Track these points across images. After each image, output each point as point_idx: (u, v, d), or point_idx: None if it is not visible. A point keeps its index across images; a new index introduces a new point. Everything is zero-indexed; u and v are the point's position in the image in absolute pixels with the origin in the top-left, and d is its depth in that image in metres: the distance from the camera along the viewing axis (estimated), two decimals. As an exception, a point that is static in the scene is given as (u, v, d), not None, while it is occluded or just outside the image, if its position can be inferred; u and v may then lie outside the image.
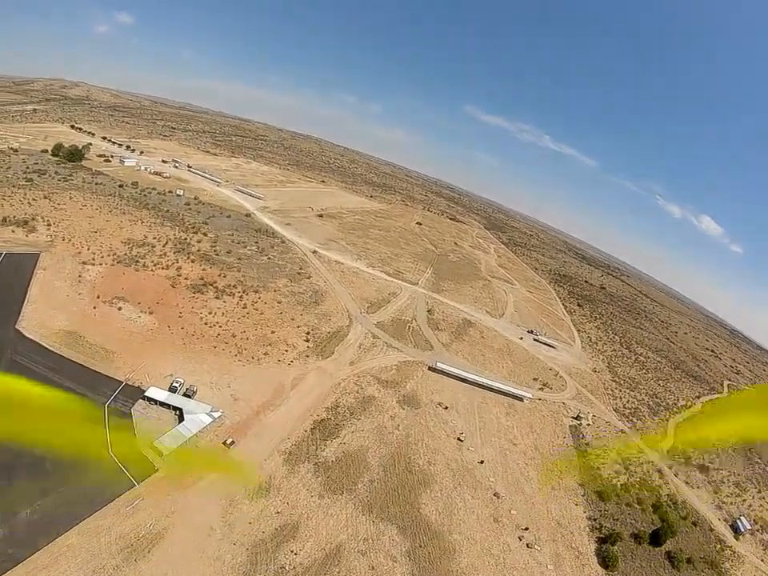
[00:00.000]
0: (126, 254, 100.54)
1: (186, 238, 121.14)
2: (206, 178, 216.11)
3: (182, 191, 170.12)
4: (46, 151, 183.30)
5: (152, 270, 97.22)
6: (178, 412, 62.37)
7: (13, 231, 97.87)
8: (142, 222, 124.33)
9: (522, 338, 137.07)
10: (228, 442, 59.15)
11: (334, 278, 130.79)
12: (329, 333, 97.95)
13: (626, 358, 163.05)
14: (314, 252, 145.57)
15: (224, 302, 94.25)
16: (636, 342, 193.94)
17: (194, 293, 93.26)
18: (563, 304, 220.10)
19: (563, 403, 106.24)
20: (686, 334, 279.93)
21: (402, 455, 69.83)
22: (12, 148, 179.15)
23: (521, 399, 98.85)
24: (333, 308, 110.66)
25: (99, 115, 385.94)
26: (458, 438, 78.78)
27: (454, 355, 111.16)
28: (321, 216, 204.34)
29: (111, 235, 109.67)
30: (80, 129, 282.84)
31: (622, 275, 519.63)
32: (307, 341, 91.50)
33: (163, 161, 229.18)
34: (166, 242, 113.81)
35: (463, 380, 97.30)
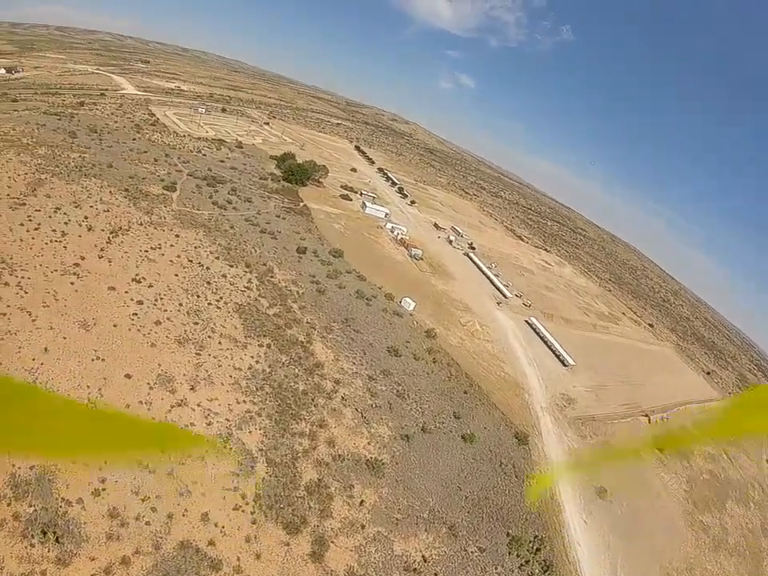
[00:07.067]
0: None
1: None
2: (486, 277, 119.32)
3: (412, 304, 75.82)
4: (275, 158, 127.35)
5: None
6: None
7: None
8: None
9: None
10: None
11: None
12: None
13: None
14: None
15: None
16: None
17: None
18: None
19: None
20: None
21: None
22: (238, 144, 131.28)
23: None
24: None
25: (407, 149, 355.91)
26: None
27: None
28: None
29: None
30: (363, 153, 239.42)
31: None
32: None
33: (436, 225, 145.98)
34: None
35: None
